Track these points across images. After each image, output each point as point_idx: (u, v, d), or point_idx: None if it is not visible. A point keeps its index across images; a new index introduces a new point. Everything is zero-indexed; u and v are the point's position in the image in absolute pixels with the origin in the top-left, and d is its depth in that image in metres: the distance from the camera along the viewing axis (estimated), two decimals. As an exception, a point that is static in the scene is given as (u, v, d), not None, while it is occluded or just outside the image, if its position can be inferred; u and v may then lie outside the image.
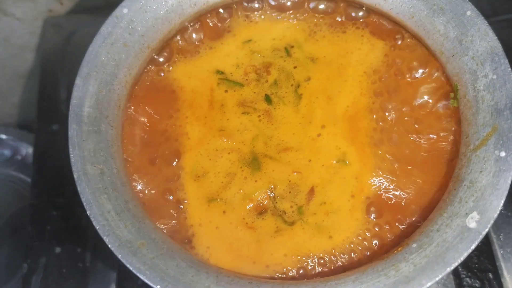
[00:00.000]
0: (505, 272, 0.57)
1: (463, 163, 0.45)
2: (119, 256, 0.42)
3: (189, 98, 0.55)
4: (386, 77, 0.53)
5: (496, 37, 0.48)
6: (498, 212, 0.42)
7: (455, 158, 0.48)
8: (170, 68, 0.56)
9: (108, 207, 0.44)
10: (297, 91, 0.54)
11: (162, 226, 0.49)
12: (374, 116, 0.52)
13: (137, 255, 0.42)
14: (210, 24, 0.58)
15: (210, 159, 0.52)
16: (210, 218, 0.49)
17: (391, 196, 0.49)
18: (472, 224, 0.41)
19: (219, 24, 0.58)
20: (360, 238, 0.48)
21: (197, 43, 0.57)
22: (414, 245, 0.42)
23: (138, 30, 0.53)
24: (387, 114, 0.52)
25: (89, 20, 0.79)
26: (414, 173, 0.50)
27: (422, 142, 0.51)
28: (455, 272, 0.58)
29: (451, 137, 0.50)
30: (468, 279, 0.57)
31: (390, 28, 0.55)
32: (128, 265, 0.42)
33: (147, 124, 0.54)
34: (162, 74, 0.56)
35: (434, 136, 0.51)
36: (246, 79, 0.55)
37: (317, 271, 0.47)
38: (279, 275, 0.47)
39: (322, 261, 0.47)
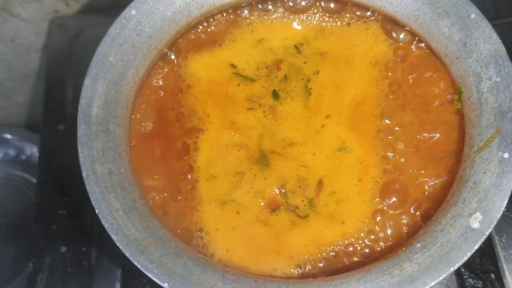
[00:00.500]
0: (507, 273, 0.57)
1: (466, 164, 0.46)
2: (127, 254, 0.43)
3: (207, 87, 0.56)
4: (393, 68, 0.55)
5: (500, 40, 0.48)
6: (501, 213, 0.42)
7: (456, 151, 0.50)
8: (185, 63, 0.57)
9: (116, 206, 0.45)
10: (307, 86, 0.55)
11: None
12: (380, 104, 0.53)
13: (145, 253, 0.43)
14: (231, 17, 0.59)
15: (220, 155, 0.53)
16: (225, 221, 0.50)
17: (396, 176, 0.50)
18: (476, 225, 0.42)
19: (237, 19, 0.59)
20: (372, 219, 0.49)
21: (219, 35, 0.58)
22: (418, 245, 0.43)
23: (146, 31, 0.53)
24: (392, 102, 0.53)
25: (95, 21, 0.80)
26: (418, 155, 0.51)
27: (424, 134, 0.52)
28: (457, 272, 0.58)
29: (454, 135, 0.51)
30: (470, 279, 0.57)
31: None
32: (136, 263, 0.42)
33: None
34: (176, 69, 0.57)
35: (437, 135, 0.51)
36: (257, 75, 0.56)
37: (340, 259, 0.48)
38: (306, 264, 0.48)
39: (341, 249, 0.48)
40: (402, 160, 0.51)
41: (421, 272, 0.41)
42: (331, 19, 0.58)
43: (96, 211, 0.44)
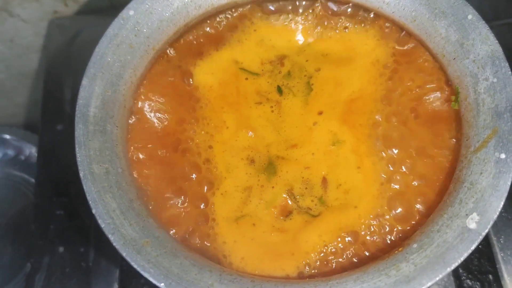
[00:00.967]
0: (505, 274, 0.57)
1: (463, 165, 0.46)
2: (124, 254, 0.43)
3: (220, 92, 0.56)
4: (393, 68, 0.55)
5: (496, 41, 0.48)
6: (497, 213, 0.42)
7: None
8: (191, 81, 0.57)
9: (113, 205, 0.45)
10: (309, 82, 0.56)
11: (195, 242, 0.49)
12: (377, 102, 0.54)
13: (142, 253, 0.43)
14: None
15: (232, 156, 0.53)
16: (243, 234, 0.50)
17: (393, 155, 0.51)
18: (472, 225, 0.42)
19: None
20: (382, 198, 0.50)
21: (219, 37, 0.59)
22: (415, 245, 0.43)
23: (143, 31, 0.53)
24: (389, 101, 0.54)
25: (93, 21, 0.80)
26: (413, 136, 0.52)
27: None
28: (455, 273, 0.58)
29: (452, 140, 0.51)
30: (468, 281, 0.57)
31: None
32: (132, 263, 0.42)
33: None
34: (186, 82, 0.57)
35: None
36: (262, 70, 0.57)
37: (353, 242, 0.49)
38: (321, 257, 0.48)
39: (358, 230, 0.49)
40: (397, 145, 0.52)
41: (417, 273, 0.41)
42: (330, 23, 0.58)
43: (93, 211, 0.44)
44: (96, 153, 0.47)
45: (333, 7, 0.58)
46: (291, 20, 0.59)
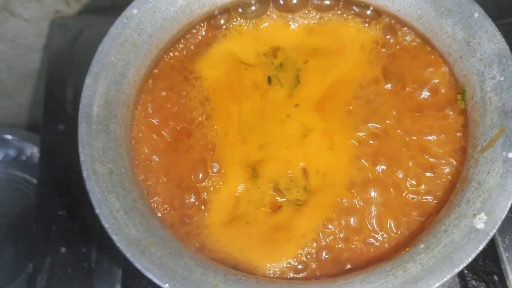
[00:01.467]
0: (510, 275, 0.57)
1: (470, 164, 0.46)
2: (128, 255, 0.42)
3: (227, 82, 0.56)
4: (382, 52, 0.56)
5: (503, 39, 0.48)
6: (505, 213, 0.42)
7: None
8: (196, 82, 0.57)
9: (117, 206, 0.44)
10: (297, 75, 0.56)
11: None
12: (358, 86, 0.54)
13: (146, 253, 0.42)
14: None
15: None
16: (239, 231, 0.50)
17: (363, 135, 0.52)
18: (480, 225, 0.42)
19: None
20: (359, 166, 0.51)
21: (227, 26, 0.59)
22: (422, 245, 0.42)
23: (147, 30, 0.53)
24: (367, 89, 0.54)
25: (96, 21, 0.80)
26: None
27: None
28: (460, 274, 0.58)
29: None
30: (473, 281, 0.57)
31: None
32: (136, 264, 0.42)
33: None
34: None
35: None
36: (258, 61, 0.57)
37: (337, 216, 0.49)
38: (317, 236, 0.49)
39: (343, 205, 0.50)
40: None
41: (424, 273, 0.41)
42: (324, 17, 0.58)
43: (96, 211, 0.44)
44: (100, 152, 0.47)
45: (329, 2, 0.58)
46: (286, 17, 0.59)
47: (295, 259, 0.48)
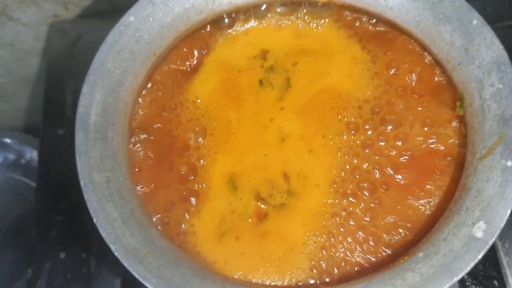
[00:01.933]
0: (510, 280, 0.57)
1: (469, 172, 0.45)
2: (126, 264, 0.42)
3: (224, 86, 0.57)
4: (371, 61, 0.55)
5: (502, 46, 0.48)
6: (505, 222, 0.41)
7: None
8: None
9: (115, 215, 0.44)
10: (288, 78, 0.56)
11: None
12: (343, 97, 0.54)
13: (143, 263, 0.42)
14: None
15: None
16: (231, 250, 0.49)
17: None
18: (479, 234, 0.41)
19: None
20: (338, 166, 0.51)
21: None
22: (421, 254, 0.42)
23: (144, 37, 0.53)
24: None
25: (94, 25, 0.80)
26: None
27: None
28: (460, 279, 0.57)
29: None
30: (473, 286, 0.57)
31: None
32: (134, 273, 0.42)
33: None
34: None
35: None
36: (249, 64, 0.57)
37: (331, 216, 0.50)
38: (318, 240, 0.49)
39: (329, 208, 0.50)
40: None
41: (423, 282, 0.40)
42: (313, 21, 0.59)
43: (94, 220, 0.44)
44: (97, 161, 0.47)
45: (328, 8, 0.58)
46: (278, 18, 0.59)
47: (305, 264, 0.48)
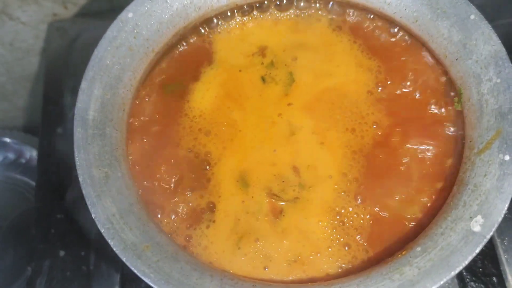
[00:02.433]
0: (509, 277, 0.57)
1: (467, 167, 0.45)
2: (124, 259, 0.42)
3: (227, 90, 0.56)
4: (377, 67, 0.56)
5: (499, 41, 0.48)
6: (502, 216, 0.42)
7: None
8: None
9: (113, 210, 0.44)
10: (291, 73, 0.56)
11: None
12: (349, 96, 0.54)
13: (142, 258, 0.42)
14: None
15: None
16: (252, 258, 0.48)
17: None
18: (477, 228, 0.41)
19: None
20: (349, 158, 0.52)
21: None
22: (419, 248, 0.42)
23: (143, 34, 0.53)
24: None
25: (93, 24, 0.80)
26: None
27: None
28: (459, 276, 0.57)
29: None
30: (472, 283, 0.57)
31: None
32: (132, 268, 0.42)
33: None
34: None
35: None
36: (249, 62, 0.57)
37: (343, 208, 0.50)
38: (338, 237, 0.49)
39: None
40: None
41: (421, 276, 0.41)
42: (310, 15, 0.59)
43: (93, 215, 0.44)
44: (96, 157, 0.47)
45: (331, 6, 0.58)
46: (275, 14, 0.59)
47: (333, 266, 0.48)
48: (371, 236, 0.48)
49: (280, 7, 0.59)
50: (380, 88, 0.54)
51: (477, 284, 0.57)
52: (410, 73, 0.54)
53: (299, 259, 0.48)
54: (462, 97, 0.50)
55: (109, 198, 0.45)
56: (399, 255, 0.43)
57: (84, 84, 0.49)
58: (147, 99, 0.55)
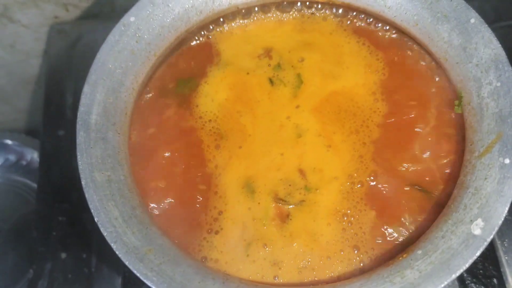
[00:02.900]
0: (509, 278, 0.57)
1: (468, 170, 0.46)
2: (127, 263, 0.42)
3: (236, 93, 0.56)
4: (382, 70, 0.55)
5: (500, 45, 0.48)
6: (502, 219, 0.42)
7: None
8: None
9: (116, 213, 0.45)
10: (299, 74, 0.56)
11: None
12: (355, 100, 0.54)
13: (144, 261, 0.43)
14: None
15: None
16: (261, 265, 0.48)
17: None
18: (477, 231, 0.42)
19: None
20: (357, 161, 0.52)
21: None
22: (419, 251, 0.43)
23: (145, 38, 0.53)
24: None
25: (94, 26, 0.80)
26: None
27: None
28: (460, 278, 0.58)
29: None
30: (473, 284, 0.57)
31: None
32: (135, 271, 0.42)
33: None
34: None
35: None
36: (256, 64, 0.57)
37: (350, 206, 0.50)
38: (348, 239, 0.49)
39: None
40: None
41: (422, 279, 0.41)
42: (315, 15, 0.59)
43: (95, 219, 0.44)
44: (98, 160, 0.47)
45: (335, 10, 0.59)
46: (278, 15, 0.59)
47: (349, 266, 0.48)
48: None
49: (282, 9, 0.59)
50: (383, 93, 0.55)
51: (477, 285, 0.57)
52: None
53: (309, 263, 0.48)
54: (462, 100, 0.50)
55: (112, 201, 0.45)
56: (400, 258, 0.43)
57: (86, 88, 0.50)
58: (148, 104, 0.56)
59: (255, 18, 0.59)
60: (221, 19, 0.59)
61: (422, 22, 0.52)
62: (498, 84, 0.47)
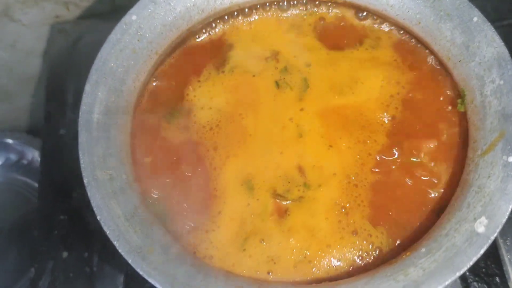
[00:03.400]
0: (512, 277, 0.57)
1: (471, 168, 0.46)
2: (129, 261, 0.42)
3: (242, 94, 0.56)
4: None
5: (502, 43, 0.48)
6: (506, 217, 0.42)
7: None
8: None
9: (118, 212, 0.45)
10: (305, 78, 0.56)
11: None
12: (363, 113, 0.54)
13: (147, 260, 0.43)
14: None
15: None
16: (257, 259, 0.48)
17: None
18: (481, 229, 0.42)
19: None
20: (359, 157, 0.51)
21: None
22: (423, 249, 0.43)
23: (146, 36, 0.53)
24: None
25: (95, 25, 0.80)
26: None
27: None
28: (462, 276, 0.57)
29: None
30: (475, 283, 0.57)
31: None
32: (138, 270, 0.42)
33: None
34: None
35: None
36: (262, 67, 0.57)
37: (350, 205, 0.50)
38: (345, 232, 0.49)
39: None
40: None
41: (426, 277, 0.41)
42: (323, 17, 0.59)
43: (98, 217, 0.44)
44: (100, 159, 0.47)
45: (336, 8, 0.58)
46: (280, 15, 0.59)
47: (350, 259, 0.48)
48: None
49: (283, 9, 0.59)
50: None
51: (480, 284, 0.57)
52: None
53: (306, 256, 0.48)
54: (465, 99, 0.50)
55: (114, 200, 0.45)
56: (404, 256, 0.43)
57: (88, 87, 0.50)
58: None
59: (255, 18, 0.59)
60: (225, 17, 0.59)
61: (424, 21, 0.52)
62: (501, 82, 0.46)
